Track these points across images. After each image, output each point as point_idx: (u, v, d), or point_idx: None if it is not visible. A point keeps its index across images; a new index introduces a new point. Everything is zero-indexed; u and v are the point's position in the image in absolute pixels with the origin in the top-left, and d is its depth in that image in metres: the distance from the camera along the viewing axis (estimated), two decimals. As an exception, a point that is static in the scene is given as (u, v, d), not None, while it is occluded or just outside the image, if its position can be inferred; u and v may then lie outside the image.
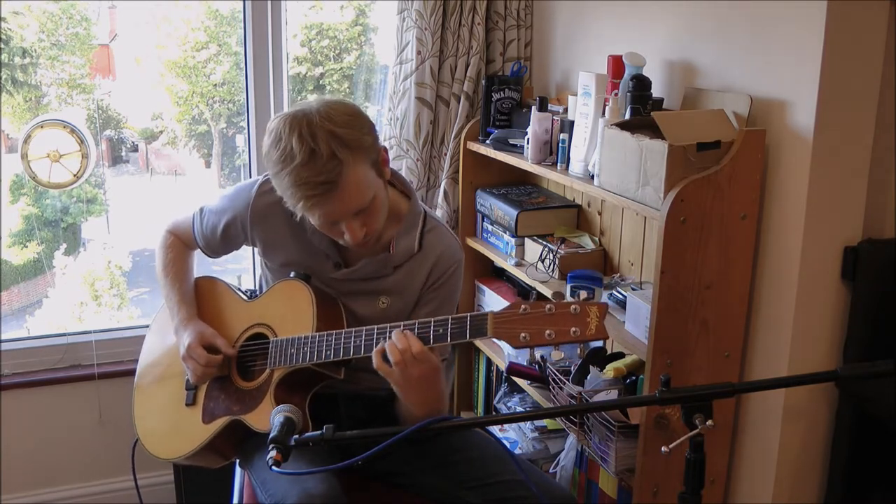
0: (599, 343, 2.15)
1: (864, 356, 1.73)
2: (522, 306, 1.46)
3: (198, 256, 2.03)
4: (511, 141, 2.44)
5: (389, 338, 1.59)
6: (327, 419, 1.45)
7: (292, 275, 1.80)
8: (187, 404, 1.87)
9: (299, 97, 3.19)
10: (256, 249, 1.93)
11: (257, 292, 2.01)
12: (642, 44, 2.11)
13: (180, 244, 1.99)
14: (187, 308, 1.89)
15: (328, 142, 1.55)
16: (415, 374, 1.57)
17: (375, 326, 1.63)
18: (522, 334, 1.44)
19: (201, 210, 1.95)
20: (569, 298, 2.04)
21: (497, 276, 2.76)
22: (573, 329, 1.42)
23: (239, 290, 1.96)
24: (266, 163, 1.63)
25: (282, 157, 1.57)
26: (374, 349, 1.59)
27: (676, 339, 1.77)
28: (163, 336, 2.00)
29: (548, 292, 2.20)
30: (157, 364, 1.99)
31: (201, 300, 1.94)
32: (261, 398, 1.74)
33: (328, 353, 1.67)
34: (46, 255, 3.41)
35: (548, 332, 1.43)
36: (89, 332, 2.77)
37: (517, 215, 2.40)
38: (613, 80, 2.03)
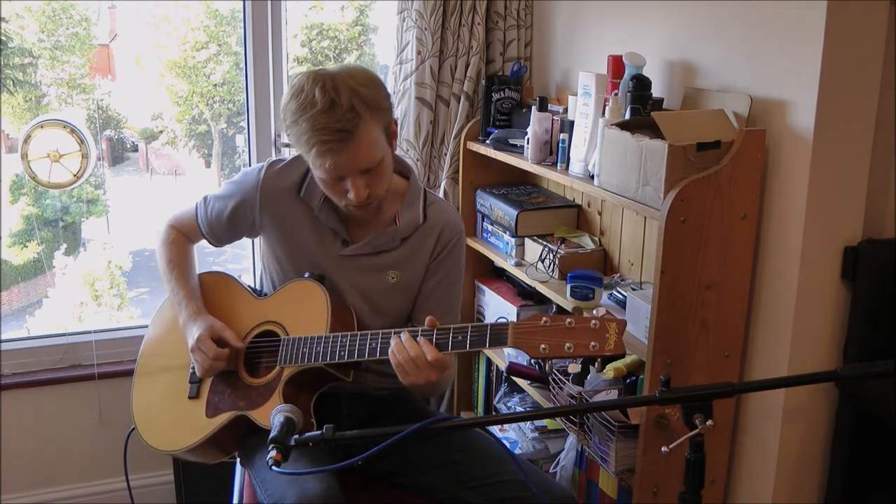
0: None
1: (864, 356, 1.73)
2: (543, 319, 1.49)
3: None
4: (511, 141, 2.44)
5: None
6: (330, 418, 1.46)
7: (307, 275, 1.82)
8: (190, 397, 1.86)
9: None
10: (261, 237, 1.94)
11: (260, 291, 2.01)
12: (642, 44, 2.11)
13: (182, 238, 1.99)
14: (196, 303, 1.89)
15: (349, 96, 1.62)
16: (432, 378, 1.59)
17: (392, 330, 1.64)
18: (542, 345, 1.47)
19: (205, 198, 1.97)
20: (569, 299, 2.05)
21: (497, 276, 2.76)
22: (592, 343, 1.45)
23: (250, 287, 1.96)
24: (284, 114, 1.69)
25: (302, 105, 1.63)
26: (390, 350, 1.61)
27: (676, 339, 1.77)
28: (166, 329, 2.00)
29: (548, 292, 2.20)
30: (159, 356, 1.99)
31: (209, 295, 1.94)
32: (269, 395, 1.74)
33: (342, 353, 1.68)
34: (46, 255, 3.40)
35: (567, 344, 1.46)
36: (89, 332, 2.77)
37: (517, 215, 2.40)
38: (613, 80, 2.03)
